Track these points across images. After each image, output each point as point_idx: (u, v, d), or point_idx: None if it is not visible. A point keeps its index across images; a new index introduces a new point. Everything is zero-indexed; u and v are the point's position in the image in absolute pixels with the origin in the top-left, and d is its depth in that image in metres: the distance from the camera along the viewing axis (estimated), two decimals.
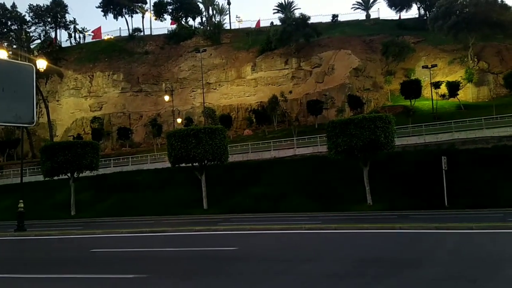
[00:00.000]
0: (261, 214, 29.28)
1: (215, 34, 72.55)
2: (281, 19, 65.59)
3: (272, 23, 74.30)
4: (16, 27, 68.93)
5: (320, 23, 70.48)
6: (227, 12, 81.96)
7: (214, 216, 28.96)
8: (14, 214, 25.74)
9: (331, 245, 11.53)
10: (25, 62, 2.73)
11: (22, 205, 22.18)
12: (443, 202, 27.12)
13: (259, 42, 67.23)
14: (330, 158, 31.45)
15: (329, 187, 32.31)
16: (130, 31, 79.00)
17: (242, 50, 68.50)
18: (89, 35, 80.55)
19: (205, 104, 56.93)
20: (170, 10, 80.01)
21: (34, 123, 2.57)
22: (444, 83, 49.26)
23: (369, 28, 68.86)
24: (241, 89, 64.37)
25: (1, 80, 2.51)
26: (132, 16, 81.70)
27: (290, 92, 60.53)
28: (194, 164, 33.34)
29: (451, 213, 24.17)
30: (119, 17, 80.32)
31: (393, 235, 13.08)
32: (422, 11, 73.22)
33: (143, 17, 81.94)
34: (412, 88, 47.78)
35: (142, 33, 79.74)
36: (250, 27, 78.03)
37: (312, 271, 7.48)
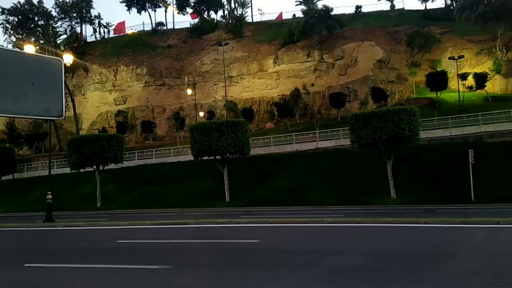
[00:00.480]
0: (283, 207, 29.29)
1: (237, 27, 72.51)
2: (303, 11, 65.01)
3: (294, 15, 73.71)
4: (43, 23, 70.40)
5: (343, 14, 69.55)
6: (249, 5, 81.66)
7: (236, 209, 29.13)
8: (42, 205, 26.50)
9: (354, 239, 11.46)
10: (54, 57, 2.79)
11: (50, 197, 22.77)
12: (470, 196, 26.53)
13: (281, 34, 66.88)
14: (353, 151, 31.15)
15: (351, 180, 32.04)
16: (153, 25, 79.74)
17: (264, 43, 68.30)
18: (113, 29, 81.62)
19: (227, 97, 57.12)
20: (193, 4, 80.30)
21: (63, 116, 2.63)
22: (471, 75, 48.01)
23: (393, 19, 67.58)
24: (263, 82, 64.28)
25: (31, 75, 2.57)
26: (155, 10, 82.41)
27: (312, 84, 60.10)
28: (216, 157, 33.55)
29: (478, 207, 23.62)
30: (142, 11, 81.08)
31: (417, 229, 12.90)
32: (448, 1, 71.28)
33: (166, 11, 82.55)
34: (438, 80, 46.76)
35: (165, 27, 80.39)
36: (272, 20, 77.67)
37: (335, 264, 7.46)
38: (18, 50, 2.63)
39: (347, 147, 34.26)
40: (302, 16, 64.37)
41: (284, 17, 77.41)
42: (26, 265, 8.67)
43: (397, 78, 57.91)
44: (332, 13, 62.53)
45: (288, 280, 6.43)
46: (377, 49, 58.17)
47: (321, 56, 62.05)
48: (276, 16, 79.29)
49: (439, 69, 52.36)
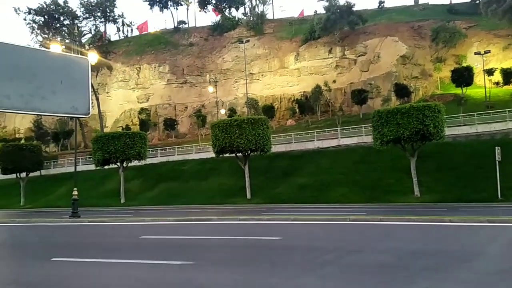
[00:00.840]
0: (304, 204, 29.21)
1: (258, 24, 72.48)
2: (325, 7, 64.47)
3: (315, 11, 73.18)
4: (68, 22, 71.86)
5: (366, 10, 68.73)
6: (270, 2, 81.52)
7: (257, 206, 29.20)
8: (68, 201, 27.13)
9: (376, 237, 11.34)
10: (81, 56, 2.85)
11: (76, 193, 23.27)
12: (496, 194, 25.93)
13: (302, 31, 66.54)
14: (375, 149, 30.81)
15: (374, 178, 31.71)
16: (175, 23, 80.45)
17: (285, 40, 68.08)
18: (136, 28, 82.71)
19: (248, 94, 57.21)
20: (214, 2, 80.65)
21: (90, 114, 2.69)
22: (498, 70, 46.72)
23: (417, 14, 66.34)
24: (284, 79, 64.11)
25: (59, 73, 2.63)
26: (177, 9, 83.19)
27: (334, 81, 59.63)
28: (238, 154, 33.69)
29: (505, 206, 23.05)
30: (165, 10, 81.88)
31: (442, 228, 12.68)
32: None
33: (187, 9, 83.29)
34: (463, 76, 45.73)
35: (186, 25, 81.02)
36: (293, 17, 77.32)
37: (358, 262, 7.41)
38: (47, 49, 2.70)
39: (369, 144, 33.90)
40: (324, 12, 63.83)
41: (306, 13, 77.01)
42: (54, 259, 8.90)
43: (421, 74, 56.87)
44: (354, 8, 61.82)
45: (311, 277, 6.42)
46: (400, 45, 57.25)
47: (343, 52, 61.45)
48: (297, 12, 78.95)
49: (464, 64, 51.12)
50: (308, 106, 56.47)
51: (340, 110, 56.51)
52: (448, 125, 30.74)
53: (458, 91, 47.45)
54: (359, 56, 59.92)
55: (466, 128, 35.67)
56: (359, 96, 51.65)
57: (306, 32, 64.83)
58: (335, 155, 37.48)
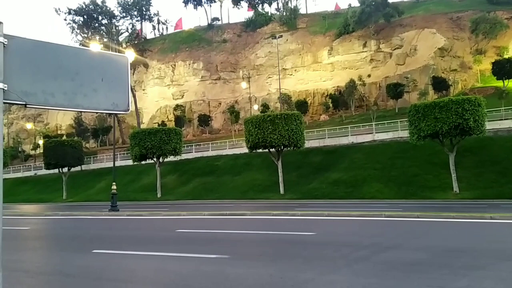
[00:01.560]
0: (338, 200, 28.96)
1: (291, 19, 72.08)
2: (359, 0, 63.39)
3: (350, 4, 72.08)
4: (106, 22, 73.90)
5: (402, 1, 67.08)
6: None
7: (291, 201, 29.19)
8: (107, 195, 28.01)
9: (413, 234, 11.12)
10: (120, 54, 2.96)
11: (115, 188, 23.99)
12: None
13: (336, 25, 65.67)
14: (412, 144, 30.13)
15: (410, 173, 31.02)
16: (209, 20, 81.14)
17: (319, 34, 67.39)
18: (171, 26, 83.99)
19: (281, 90, 57.06)
20: None
21: (130, 110, 2.79)
22: None
23: (456, 5, 64.09)
24: (317, 74, 63.56)
25: (100, 71, 2.73)
26: (210, 6, 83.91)
27: (369, 75, 58.60)
28: (271, 149, 33.75)
29: None
30: (199, 7, 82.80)
31: (482, 225, 12.28)
32: None
33: (221, 6, 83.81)
34: (505, 68, 44.01)
35: (220, 22, 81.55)
36: (326, 11, 76.40)
37: (394, 259, 7.30)
38: (89, 48, 2.82)
39: (405, 139, 33.19)
40: (358, 5, 62.75)
41: (339, 7, 75.85)
42: (95, 251, 9.24)
43: (460, 67, 55.01)
44: (390, 0, 60.44)
45: (344, 273, 6.39)
46: (438, 37, 55.58)
47: (378, 45, 60.27)
48: (331, 6, 77.91)
49: (506, 56, 49.06)
50: (342, 101, 55.80)
51: (375, 104, 55.55)
52: (488, 119, 29.68)
53: (499, 84, 45.65)
54: (395, 49, 58.59)
55: (508, 122, 34.32)
56: (395, 90, 50.57)
57: (340, 26, 63.94)
58: (370, 150, 36.90)
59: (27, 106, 2.42)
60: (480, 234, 10.86)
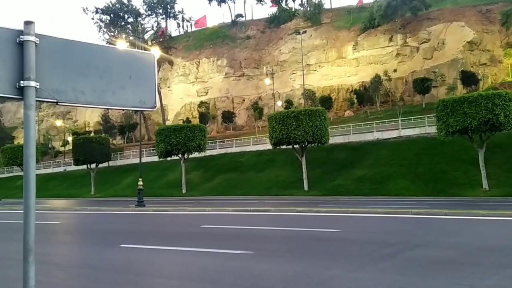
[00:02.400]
0: (363, 197, 28.64)
1: (315, 14, 71.47)
2: None
3: None
4: (132, 20, 75.00)
5: None
6: None
7: (315, 198, 29.04)
8: (134, 191, 28.51)
9: (441, 231, 10.90)
10: (147, 52, 2.99)
11: (141, 183, 24.36)
12: None
13: (361, 19, 64.75)
14: (439, 140, 29.49)
15: (438, 170, 30.40)
16: (233, 17, 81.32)
17: (343, 29, 66.61)
18: (195, 23, 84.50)
19: (305, 86, 56.72)
20: None
21: (156, 107, 2.82)
22: None
23: None
24: (341, 69, 62.89)
25: (128, 69, 2.77)
26: (234, 2, 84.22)
27: (395, 70, 57.61)
28: (295, 146, 33.63)
29: None
30: (222, 4, 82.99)
31: None
32: None
33: (244, 2, 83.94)
34: None
35: (243, 18, 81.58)
36: (351, 5, 75.40)
37: (422, 257, 7.18)
38: (117, 46, 2.86)
39: (433, 135, 32.52)
40: None
41: (365, 1, 74.74)
42: (122, 245, 9.43)
43: (490, 61, 53.43)
44: None
45: (370, 271, 6.32)
46: (467, 30, 54.11)
47: (404, 40, 59.15)
48: (356, 0, 76.86)
49: None
50: (367, 97, 55.08)
51: (401, 100, 54.61)
52: None
53: None
54: (422, 43, 57.40)
55: None
56: (422, 85, 49.58)
57: (365, 20, 63.01)
58: (396, 146, 36.32)
59: (58, 103, 2.48)
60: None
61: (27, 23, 2.30)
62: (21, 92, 2.27)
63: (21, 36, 2.27)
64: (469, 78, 47.86)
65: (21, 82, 2.26)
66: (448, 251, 7.83)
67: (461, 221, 12.71)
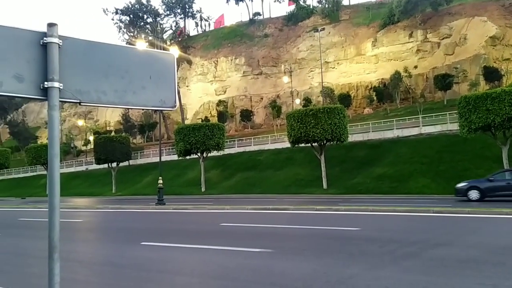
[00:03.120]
0: (383, 195, 28.33)
1: (334, 11, 70.87)
2: None
3: None
4: (151, 20, 75.76)
5: None
6: None
7: (334, 196, 28.86)
8: (153, 189, 28.82)
9: (464, 230, 10.71)
10: (167, 52, 3.02)
11: (161, 182, 24.62)
12: None
13: (380, 16, 63.90)
14: (462, 137, 28.92)
15: (460, 168, 29.83)
16: (251, 15, 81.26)
17: (362, 26, 65.89)
18: (213, 22, 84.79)
19: (323, 83, 56.33)
20: None
21: (176, 107, 2.85)
22: None
23: None
24: (360, 66, 62.23)
25: (148, 69, 2.81)
26: (252, 1, 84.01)
27: (415, 67, 56.72)
28: (313, 144, 33.46)
29: None
30: (240, 2, 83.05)
31: None
32: None
33: (262, 1, 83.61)
34: None
35: (261, 17, 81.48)
36: (370, 1, 74.50)
37: (443, 256, 7.07)
38: (137, 47, 2.89)
39: (455, 133, 31.93)
40: None
41: None
42: (143, 243, 9.56)
43: None
44: None
45: (391, 270, 6.26)
46: (489, 25, 52.86)
47: (424, 35, 58.16)
48: None
49: None
50: (386, 94, 54.40)
51: (422, 96, 53.74)
52: None
53: None
54: (443, 38, 56.34)
55: None
56: (443, 81, 48.68)
57: (385, 16, 62.17)
58: (416, 144, 35.78)
59: (81, 104, 2.53)
60: None
61: (50, 25, 2.35)
62: (45, 93, 2.32)
63: (45, 38, 2.31)
64: (491, 74, 46.82)
65: (45, 83, 2.30)
66: (471, 250, 7.69)
67: (484, 219, 12.46)
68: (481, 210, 14.35)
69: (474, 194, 21.34)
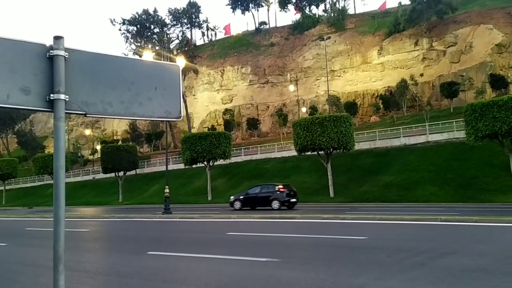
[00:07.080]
0: (390, 203, 28.15)
1: (339, 20, 71.11)
2: None
3: (400, 3, 70.07)
4: (158, 30, 76.39)
5: None
6: None
7: (341, 205, 28.72)
8: (160, 198, 28.84)
9: (472, 239, 10.60)
10: (172, 63, 3.05)
11: (168, 191, 24.65)
12: None
13: (386, 24, 64.03)
14: (469, 145, 28.75)
15: (467, 176, 29.61)
16: (256, 24, 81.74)
17: (368, 34, 66.02)
18: (220, 32, 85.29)
19: (329, 92, 56.36)
20: (294, 0, 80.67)
21: (181, 117, 2.86)
22: None
23: None
24: (366, 74, 62.25)
25: (154, 80, 2.83)
26: (258, 10, 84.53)
27: (421, 75, 56.65)
28: (320, 152, 33.39)
29: None
30: (246, 12, 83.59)
31: None
32: None
33: (268, 10, 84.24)
34: None
35: (267, 26, 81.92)
36: (375, 10, 74.70)
37: (451, 265, 6.99)
38: (143, 58, 2.92)
39: (462, 140, 31.76)
40: (409, 2, 60.81)
41: (389, 5, 74.06)
42: (149, 252, 9.55)
43: None
44: None
45: (400, 279, 6.20)
46: (495, 33, 52.75)
47: (430, 44, 58.14)
48: (379, 5, 76.12)
49: None
50: (393, 102, 54.30)
51: (428, 104, 53.54)
52: None
53: None
54: (448, 46, 56.28)
55: None
56: (449, 89, 48.55)
57: (390, 24, 62.29)
58: (423, 151, 35.61)
59: (87, 115, 2.55)
60: None
61: (57, 38, 2.38)
62: (51, 105, 2.34)
63: (51, 51, 2.34)
64: (498, 82, 46.62)
65: (51, 95, 2.33)
66: (479, 259, 7.60)
67: (492, 228, 12.33)
68: (489, 218, 14.20)
69: (238, 205, 26.77)
